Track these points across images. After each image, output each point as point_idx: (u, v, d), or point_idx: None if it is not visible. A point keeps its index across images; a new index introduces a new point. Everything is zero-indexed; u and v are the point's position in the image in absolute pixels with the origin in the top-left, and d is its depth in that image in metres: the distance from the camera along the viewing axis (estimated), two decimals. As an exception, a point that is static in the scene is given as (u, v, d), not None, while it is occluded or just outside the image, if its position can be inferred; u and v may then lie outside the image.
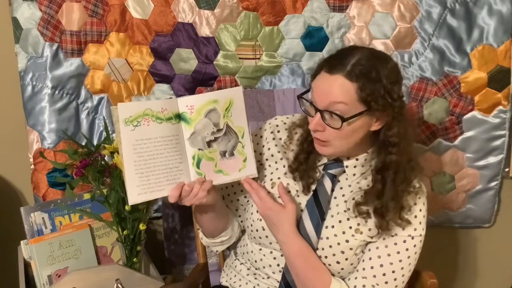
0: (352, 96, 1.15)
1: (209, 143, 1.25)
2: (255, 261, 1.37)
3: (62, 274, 1.50)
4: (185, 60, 1.76)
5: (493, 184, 1.89)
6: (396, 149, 1.21)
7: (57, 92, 1.73)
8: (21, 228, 1.54)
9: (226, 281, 1.45)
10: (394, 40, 1.78)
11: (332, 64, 1.18)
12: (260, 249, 1.35)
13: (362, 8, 1.76)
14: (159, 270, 1.65)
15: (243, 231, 1.44)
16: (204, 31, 1.75)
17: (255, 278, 1.38)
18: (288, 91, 1.76)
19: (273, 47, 1.77)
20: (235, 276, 1.42)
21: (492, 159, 1.86)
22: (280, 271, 1.32)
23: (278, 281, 1.33)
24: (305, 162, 1.30)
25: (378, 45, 1.76)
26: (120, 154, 1.18)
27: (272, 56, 1.78)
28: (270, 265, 1.34)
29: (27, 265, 1.57)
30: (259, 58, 1.77)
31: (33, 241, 1.50)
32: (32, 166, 1.76)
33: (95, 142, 1.73)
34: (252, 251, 1.38)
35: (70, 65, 1.73)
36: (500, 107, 1.82)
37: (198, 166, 1.24)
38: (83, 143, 1.67)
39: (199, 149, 1.24)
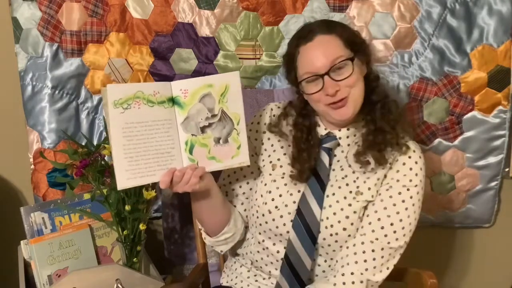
0: (339, 44, 1.26)
1: (202, 129, 1.23)
2: (256, 260, 1.37)
3: (62, 274, 1.51)
4: (185, 60, 1.76)
5: (493, 184, 1.88)
6: (376, 83, 1.33)
7: (57, 92, 1.73)
8: (21, 228, 1.54)
9: (227, 282, 1.44)
10: (394, 40, 1.78)
11: (304, 35, 1.28)
12: (263, 240, 1.34)
13: (362, 8, 1.76)
14: (159, 270, 1.65)
15: (246, 227, 1.42)
16: (204, 31, 1.75)
17: (256, 280, 1.38)
18: (288, 91, 1.75)
19: (273, 47, 1.77)
20: (236, 277, 1.42)
21: (492, 159, 1.86)
22: None
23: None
24: (306, 140, 1.33)
25: (378, 45, 1.77)
26: (108, 137, 1.15)
27: (272, 56, 1.78)
28: (271, 262, 1.34)
29: (27, 265, 1.57)
30: (259, 58, 1.77)
31: (33, 241, 1.50)
32: (32, 166, 1.76)
33: (95, 142, 1.73)
34: (251, 252, 1.38)
35: (70, 65, 1.73)
36: (500, 107, 1.82)
37: (191, 152, 1.22)
38: (83, 143, 1.67)
39: (192, 135, 1.22)
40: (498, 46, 1.78)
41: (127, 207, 1.47)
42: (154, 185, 1.53)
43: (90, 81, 1.75)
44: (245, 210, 1.41)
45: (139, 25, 1.73)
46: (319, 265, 1.32)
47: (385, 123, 1.30)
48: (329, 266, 1.31)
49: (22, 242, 1.57)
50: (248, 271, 1.40)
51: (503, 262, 2.04)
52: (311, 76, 1.26)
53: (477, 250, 2.03)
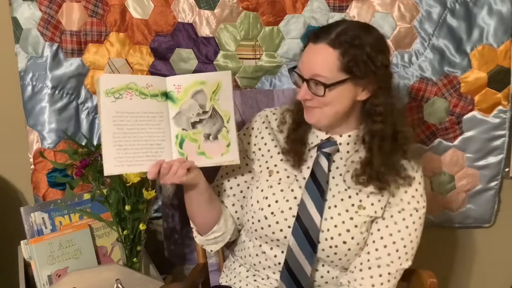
0: (334, 64, 1.19)
1: (193, 124, 1.25)
2: (254, 264, 1.37)
3: (62, 274, 1.50)
4: (185, 60, 1.76)
5: (493, 184, 1.89)
6: (380, 118, 1.25)
7: (57, 92, 1.73)
8: (21, 228, 1.54)
9: (226, 282, 1.45)
10: (394, 40, 1.78)
11: (318, 34, 1.24)
12: (260, 245, 1.34)
13: (362, 8, 1.76)
14: (159, 270, 1.65)
15: (239, 231, 1.43)
16: (204, 31, 1.75)
17: (255, 280, 1.38)
18: (288, 91, 1.75)
19: (273, 47, 1.77)
20: (235, 277, 1.42)
21: (492, 159, 1.86)
22: (280, 271, 1.32)
23: (277, 281, 1.33)
24: (296, 131, 1.33)
25: (378, 45, 1.77)
26: (99, 125, 1.18)
27: (272, 56, 1.78)
28: (269, 266, 1.34)
29: (27, 265, 1.57)
30: (259, 58, 1.77)
31: (33, 241, 1.50)
32: (32, 166, 1.76)
33: (95, 142, 1.73)
34: (250, 255, 1.38)
35: (70, 65, 1.73)
36: (500, 107, 1.82)
37: (181, 146, 1.25)
38: (83, 143, 1.67)
39: (183, 129, 1.25)
40: (498, 46, 1.78)
41: (127, 207, 1.47)
42: (154, 185, 1.54)
43: (90, 81, 1.75)
44: (236, 211, 1.42)
45: (139, 25, 1.73)
46: (317, 270, 1.32)
47: (380, 160, 1.25)
48: (328, 271, 1.32)
49: (22, 242, 1.58)
50: (247, 271, 1.40)
51: (503, 262, 2.04)
52: (298, 74, 1.27)
53: (477, 250, 2.03)
